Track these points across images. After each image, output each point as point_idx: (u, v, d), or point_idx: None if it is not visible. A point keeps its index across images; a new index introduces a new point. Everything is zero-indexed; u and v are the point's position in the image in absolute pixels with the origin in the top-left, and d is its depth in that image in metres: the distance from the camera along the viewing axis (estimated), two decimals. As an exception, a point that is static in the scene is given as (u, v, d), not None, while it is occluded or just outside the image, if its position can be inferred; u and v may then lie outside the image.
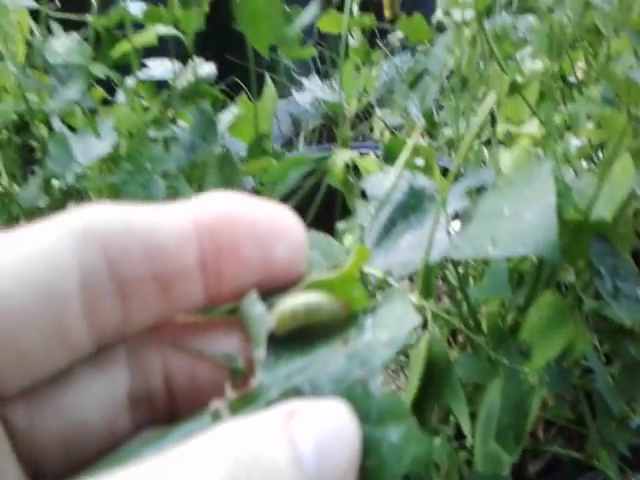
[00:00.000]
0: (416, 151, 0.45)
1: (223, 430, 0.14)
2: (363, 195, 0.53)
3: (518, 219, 0.32)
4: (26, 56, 0.53)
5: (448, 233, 0.36)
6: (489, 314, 0.52)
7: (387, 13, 0.62)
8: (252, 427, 0.14)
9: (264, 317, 0.17)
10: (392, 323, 0.17)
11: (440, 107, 0.58)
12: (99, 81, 0.61)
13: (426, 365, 0.34)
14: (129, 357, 0.18)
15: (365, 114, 0.77)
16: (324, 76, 1.40)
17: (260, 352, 0.17)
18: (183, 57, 0.64)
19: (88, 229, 0.15)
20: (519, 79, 0.48)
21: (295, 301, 0.17)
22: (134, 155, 0.46)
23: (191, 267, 0.17)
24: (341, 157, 0.47)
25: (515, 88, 0.49)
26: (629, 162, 0.34)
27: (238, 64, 1.12)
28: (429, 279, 0.39)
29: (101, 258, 0.15)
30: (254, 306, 0.17)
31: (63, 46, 0.53)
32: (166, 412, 0.18)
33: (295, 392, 0.16)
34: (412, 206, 0.38)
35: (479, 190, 0.38)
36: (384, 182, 0.42)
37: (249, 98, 0.70)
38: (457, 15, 0.51)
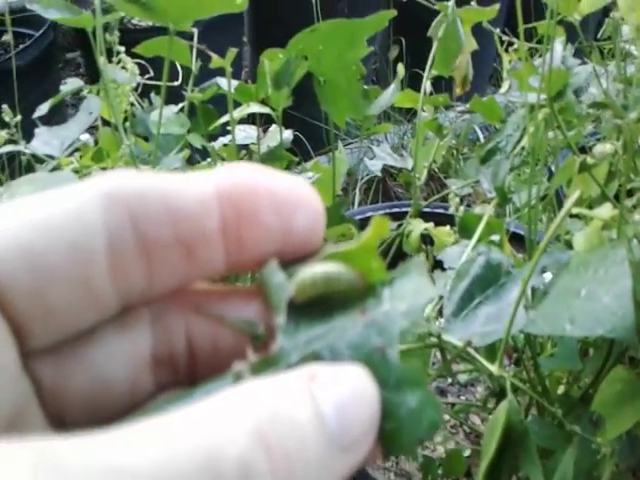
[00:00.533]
0: (489, 225, 0.48)
1: (247, 387, 0.14)
2: (436, 264, 0.56)
3: (595, 300, 0.34)
4: (130, 126, 0.59)
5: (525, 307, 0.39)
6: (552, 380, 0.54)
7: (458, 90, 0.66)
8: (275, 385, 0.14)
9: (284, 284, 0.17)
10: (409, 294, 0.17)
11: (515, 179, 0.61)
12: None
13: (504, 433, 0.36)
14: (153, 320, 0.18)
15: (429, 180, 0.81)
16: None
17: (280, 318, 0.17)
18: (262, 121, 0.69)
19: (114, 192, 0.16)
20: (589, 160, 0.51)
21: (315, 270, 0.17)
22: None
23: (213, 232, 0.17)
24: (418, 227, 0.50)
25: (585, 168, 0.52)
26: None
27: (296, 117, 1.18)
28: (502, 349, 0.42)
29: (126, 220, 0.16)
30: (274, 274, 0.17)
31: (163, 117, 0.58)
32: (188, 375, 0.18)
33: (315, 357, 0.16)
34: (490, 280, 0.41)
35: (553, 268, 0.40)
36: (461, 255, 0.45)
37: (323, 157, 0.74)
38: (530, 97, 0.54)
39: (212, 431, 0.13)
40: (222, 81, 0.62)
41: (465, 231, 0.48)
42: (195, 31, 0.66)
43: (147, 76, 0.73)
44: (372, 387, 0.15)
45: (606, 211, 0.40)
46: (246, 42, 1.85)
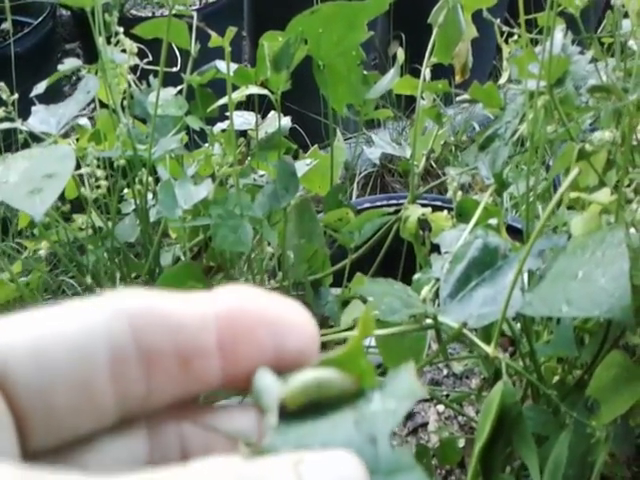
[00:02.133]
0: (487, 211, 0.48)
1: (230, 462, 0.15)
2: (433, 249, 0.56)
3: (592, 282, 0.34)
4: (128, 107, 0.59)
5: (522, 290, 0.38)
6: (547, 369, 0.53)
7: (457, 77, 0.66)
8: (259, 464, 0.15)
9: (274, 386, 0.18)
10: (399, 394, 0.18)
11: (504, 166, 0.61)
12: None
13: (498, 415, 0.36)
14: (149, 430, 0.19)
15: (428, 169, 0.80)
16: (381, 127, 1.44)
17: (271, 418, 0.17)
18: (261, 108, 0.68)
19: (119, 307, 0.17)
20: (587, 147, 0.51)
21: (306, 376, 0.18)
22: (224, 201, 0.50)
23: (210, 346, 0.18)
24: (415, 213, 0.50)
25: (583, 155, 0.52)
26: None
27: (294, 109, 1.18)
28: (498, 332, 0.42)
29: (128, 332, 0.17)
30: (265, 377, 0.18)
31: (161, 99, 0.58)
32: None
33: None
34: (487, 263, 0.41)
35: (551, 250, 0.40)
36: (458, 238, 0.44)
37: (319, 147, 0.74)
38: (529, 84, 0.54)
39: None
40: (221, 64, 0.62)
41: (463, 216, 0.48)
42: (194, 14, 0.65)
43: (146, 60, 0.72)
44: (361, 472, 0.16)
45: (604, 196, 0.39)
46: (245, 36, 1.85)
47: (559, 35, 0.60)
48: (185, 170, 0.62)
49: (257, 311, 0.18)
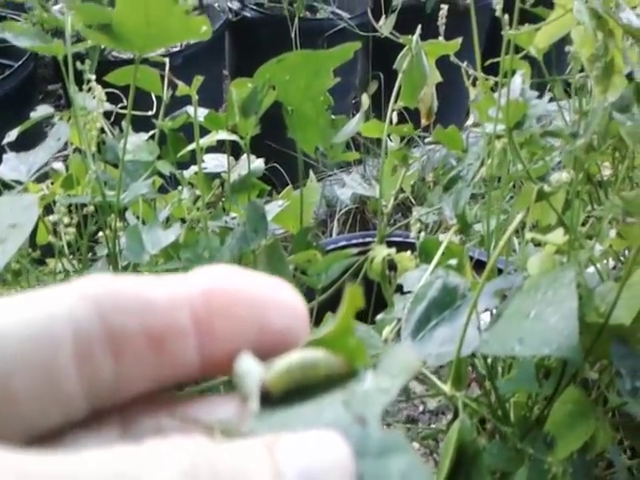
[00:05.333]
0: (450, 250, 0.50)
1: (195, 441, 0.13)
2: (399, 288, 0.57)
3: (543, 320, 0.35)
4: (99, 152, 0.60)
5: (479, 329, 0.39)
6: (516, 405, 0.54)
7: (423, 121, 0.68)
8: (229, 446, 0.13)
9: (256, 370, 0.17)
10: (393, 371, 0.17)
11: (469, 205, 0.63)
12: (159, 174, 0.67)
13: (456, 451, 0.36)
14: (124, 426, 0.17)
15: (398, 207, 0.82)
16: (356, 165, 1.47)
17: (252, 404, 0.16)
18: (239, 150, 0.70)
19: (84, 290, 0.16)
20: (546, 188, 0.52)
21: (290, 358, 0.17)
22: (193, 244, 0.51)
23: (183, 326, 0.17)
24: (381, 253, 0.51)
25: (542, 196, 0.54)
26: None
27: (275, 149, 1.20)
28: (460, 370, 0.43)
29: (93, 314, 0.16)
30: (246, 362, 0.17)
31: (133, 144, 0.59)
32: None
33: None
34: (446, 303, 0.42)
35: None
36: (420, 279, 0.46)
37: (293, 188, 0.75)
38: (488, 128, 0.56)
39: (134, 461, 0.12)
40: (192, 110, 0.63)
41: (425, 256, 0.49)
42: (166, 60, 0.67)
43: (120, 105, 0.74)
44: (346, 452, 0.14)
45: (558, 236, 0.41)
46: (227, 75, 1.88)
47: (518, 80, 0.62)
48: (157, 214, 0.63)
49: (236, 288, 0.17)
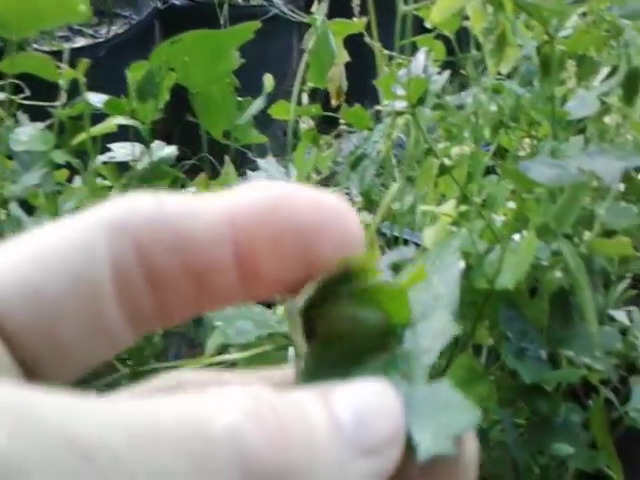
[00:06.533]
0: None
1: (249, 388, 0.14)
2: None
3: (432, 289, 0.35)
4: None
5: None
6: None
7: (334, 101, 0.67)
8: (284, 394, 0.14)
9: (301, 322, 0.17)
10: (432, 333, 0.18)
11: (382, 185, 0.63)
12: (67, 164, 0.65)
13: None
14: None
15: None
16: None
17: (300, 362, 0.17)
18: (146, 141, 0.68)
19: (119, 220, 0.15)
20: (447, 162, 0.53)
21: (341, 311, 0.17)
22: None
23: (225, 260, 0.16)
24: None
25: (445, 170, 0.54)
26: (533, 239, 0.38)
27: (209, 138, 1.18)
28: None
29: (131, 248, 0.15)
30: (296, 315, 0.17)
31: (27, 134, 0.57)
32: None
33: None
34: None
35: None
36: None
37: (210, 178, 0.74)
38: (393, 105, 0.56)
39: (202, 405, 0.13)
40: (94, 96, 0.61)
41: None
42: (65, 47, 0.65)
43: (22, 95, 0.71)
44: (396, 397, 0.15)
45: (450, 207, 0.41)
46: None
47: (421, 56, 0.62)
48: (61, 205, 0.61)
49: (280, 211, 0.16)
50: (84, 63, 0.47)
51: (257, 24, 0.56)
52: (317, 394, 0.14)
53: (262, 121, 0.68)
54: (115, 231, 0.15)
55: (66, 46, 1.74)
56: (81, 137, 0.53)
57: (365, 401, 0.14)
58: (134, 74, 0.53)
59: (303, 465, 0.13)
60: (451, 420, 0.15)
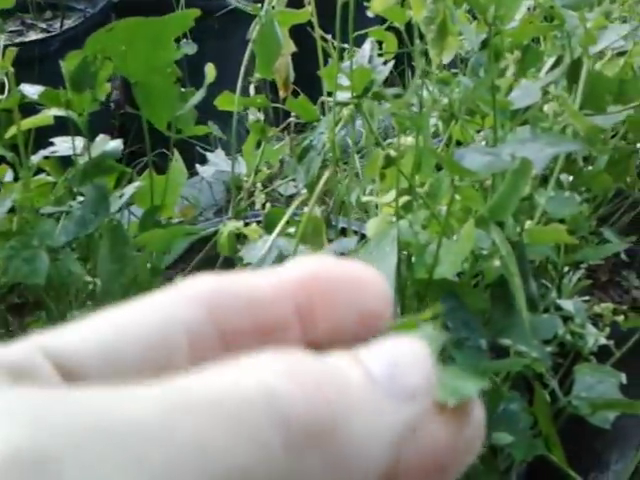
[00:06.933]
0: (309, 220, 0.48)
1: (288, 352, 0.14)
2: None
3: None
4: None
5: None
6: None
7: (281, 92, 0.66)
8: (319, 356, 0.15)
9: None
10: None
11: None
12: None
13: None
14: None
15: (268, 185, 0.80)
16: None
17: None
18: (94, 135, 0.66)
19: (195, 290, 0.17)
20: (392, 153, 0.52)
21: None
22: (23, 231, 0.47)
23: (288, 316, 0.18)
24: (227, 227, 0.49)
25: (390, 161, 0.54)
26: (472, 229, 0.37)
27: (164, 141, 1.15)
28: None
29: (205, 315, 0.17)
30: None
31: (-41, 127, 0.54)
32: None
33: None
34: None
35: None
36: (261, 250, 0.44)
37: (157, 172, 0.72)
38: (337, 97, 0.55)
39: (234, 370, 0.13)
40: (27, 88, 0.59)
41: (271, 226, 0.48)
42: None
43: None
44: (425, 348, 0.15)
45: (389, 198, 0.40)
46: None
47: (367, 47, 0.61)
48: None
49: (334, 274, 0.18)
50: (11, 52, 0.45)
51: (196, 12, 0.55)
52: (348, 354, 0.15)
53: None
54: (191, 300, 0.17)
55: (18, 40, 1.69)
56: (12, 130, 0.51)
57: (395, 354, 0.15)
58: (68, 64, 0.51)
59: (341, 417, 0.13)
60: (460, 385, 0.16)
